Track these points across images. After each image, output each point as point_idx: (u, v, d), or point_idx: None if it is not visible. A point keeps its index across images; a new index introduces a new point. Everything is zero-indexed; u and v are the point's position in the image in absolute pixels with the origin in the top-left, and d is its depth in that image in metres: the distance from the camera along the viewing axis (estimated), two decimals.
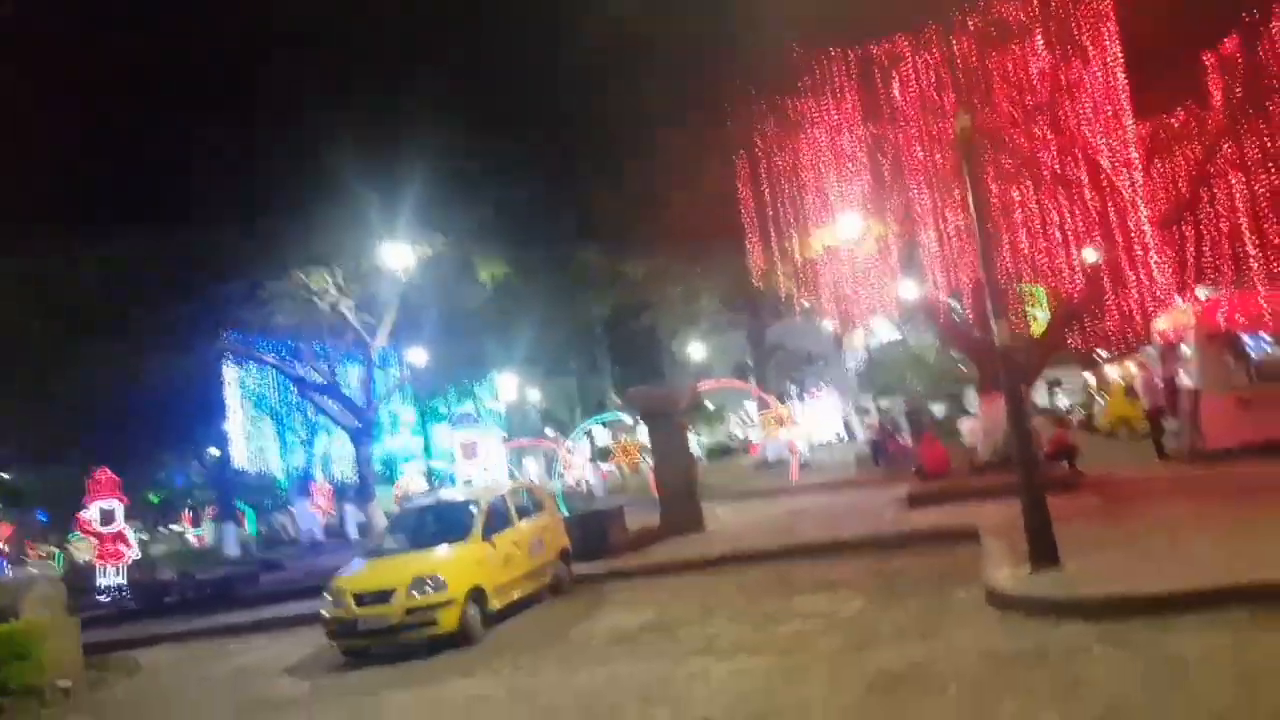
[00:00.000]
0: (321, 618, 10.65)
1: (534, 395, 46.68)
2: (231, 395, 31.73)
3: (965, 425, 18.50)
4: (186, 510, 55.11)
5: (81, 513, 25.94)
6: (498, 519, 11.77)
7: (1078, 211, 14.51)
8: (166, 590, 20.11)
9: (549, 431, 43.41)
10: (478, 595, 10.68)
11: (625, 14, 15.16)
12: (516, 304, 20.99)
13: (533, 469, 41.15)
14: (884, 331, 45.92)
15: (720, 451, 47.19)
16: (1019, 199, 14.58)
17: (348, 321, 19.28)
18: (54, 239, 16.24)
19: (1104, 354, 29.95)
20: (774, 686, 7.04)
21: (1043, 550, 8.65)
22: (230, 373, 31.01)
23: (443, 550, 10.96)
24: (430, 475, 40.35)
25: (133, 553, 25.72)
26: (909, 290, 17.17)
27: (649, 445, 20.65)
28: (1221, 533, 9.35)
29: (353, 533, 35.33)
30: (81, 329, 17.57)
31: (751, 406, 50.30)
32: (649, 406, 17.81)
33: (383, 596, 10.24)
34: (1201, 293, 15.91)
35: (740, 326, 46.38)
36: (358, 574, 11.02)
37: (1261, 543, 8.52)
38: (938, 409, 24.88)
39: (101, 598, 22.33)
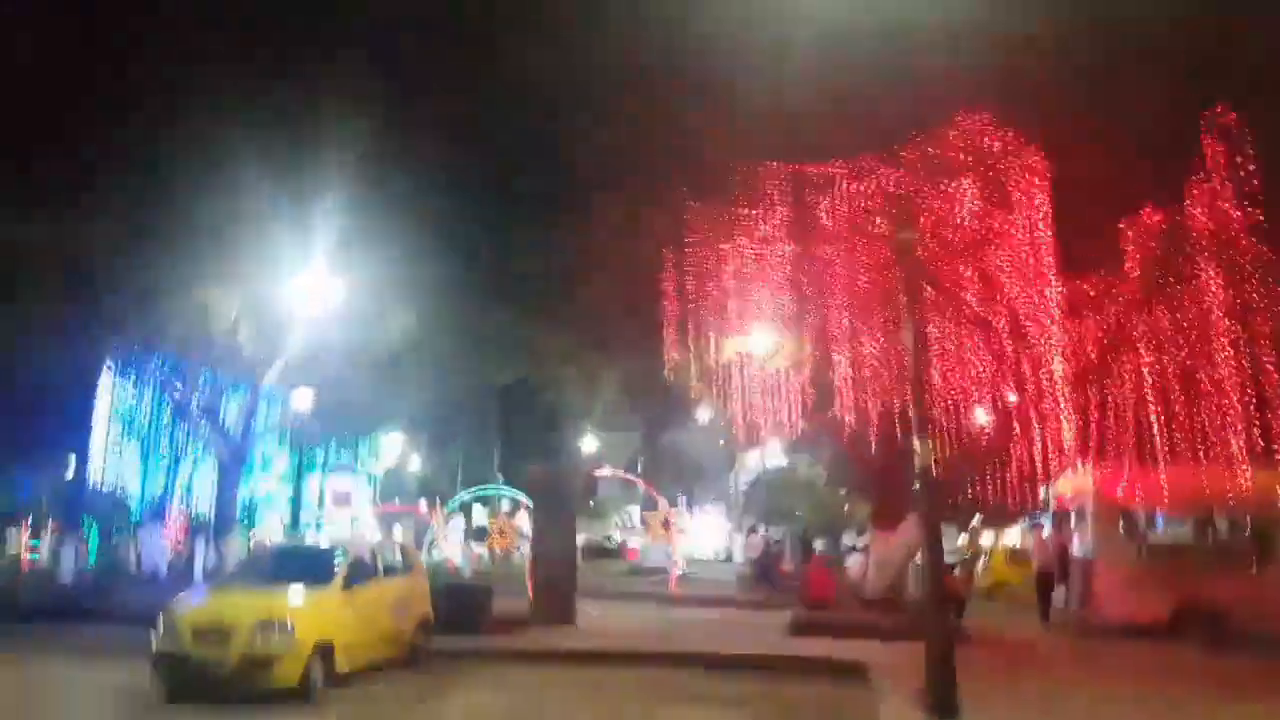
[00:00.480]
0: (150, 647, 9.49)
1: (415, 463, 45.08)
2: (100, 406, 29.74)
3: (851, 559, 18.32)
4: (24, 523, 50.80)
5: None
6: (361, 571, 10.89)
7: (992, 358, 14.79)
8: None
9: (423, 502, 41.81)
10: (326, 650, 9.71)
11: (564, 77, 15.08)
12: (419, 359, 20.00)
13: (402, 538, 39.26)
14: (775, 457, 46.34)
15: (595, 552, 46.03)
16: (936, 334, 14.79)
17: (239, 350, 18.17)
18: None
19: (980, 517, 30.27)
20: None
21: (943, 697, 8.28)
22: (105, 381, 29.10)
23: (296, 593, 9.99)
24: (293, 527, 38.20)
25: None
26: (815, 410, 17.17)
27: (530, 528, 19.94)
28: (1117, 708, 9.24)
29: (198, 573, 32.93)
30: None
31: (635, 510, 49.81)
32: (542, 484, 17.19)
33: (222, 635, 9.20)
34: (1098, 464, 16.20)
35: (636, 427, 46.12)
36: (198, 605, 9.95)
37: None
38: (819, 543, 24.71)
39: None
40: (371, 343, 18.56)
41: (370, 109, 16.37)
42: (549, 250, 17.78)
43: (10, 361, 23.97)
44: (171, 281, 16.54)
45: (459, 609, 13.94)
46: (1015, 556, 25.23)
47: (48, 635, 15.01)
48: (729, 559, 36.46)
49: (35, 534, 49.62)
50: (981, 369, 14.88)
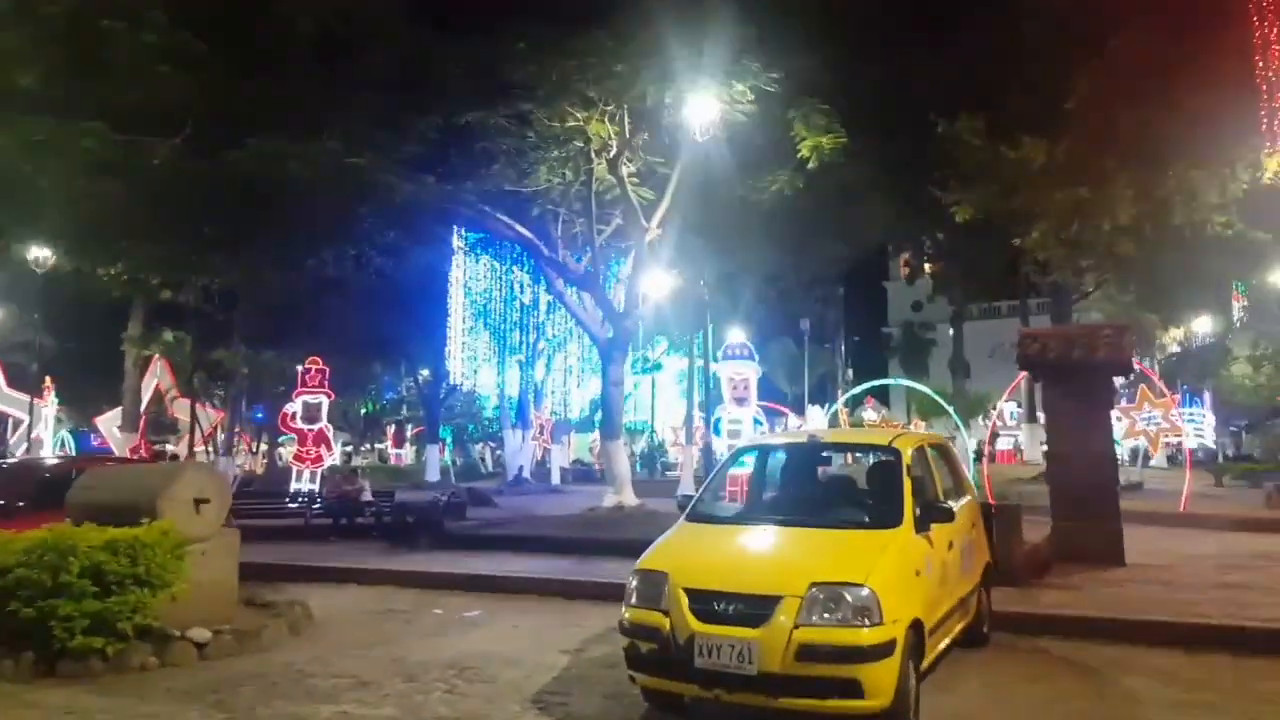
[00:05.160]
0: (621, 624, 5.67)
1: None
2: (454, 300, 28.54)
3: None
4: (391, 427, 53.96)
5: (286, 406, 23.39)
6: (930, 495, 6.42)
7: None
8: (361, 509, 16.46)
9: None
10: (918, 637, 5.43)
11: None
12: (836, 195, 15.03)
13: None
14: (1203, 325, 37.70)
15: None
16: None
17: (622, 194, 14.29)
18: None
19: None
20: None
21: None
22: (455, 271, 27.73)
23: (861, 538, 5.72)
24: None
25: (332, 457, 22.82)
26: None
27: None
28: None
29: (555, 477, 31.66)
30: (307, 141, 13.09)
31: (1007, 406, 42.73)
32: (1050, 354, 11.76)
33: (752, 609, 5.12)
34: None
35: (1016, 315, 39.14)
36: (696, 555, 5.82)
37: None
38: None
39: (291, 504, 19.20)
40: (778, 173, 14.04)
41: None
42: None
43: (370, 231, 22.41)
44: (539, 99, 12.80)
45: None
46: None
47: (431, 559, 12.62)
48: (1174, 459, 29.30)
49: (399, 440, 52.67)
50: None
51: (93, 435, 38.95)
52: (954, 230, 17.36)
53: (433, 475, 32.74)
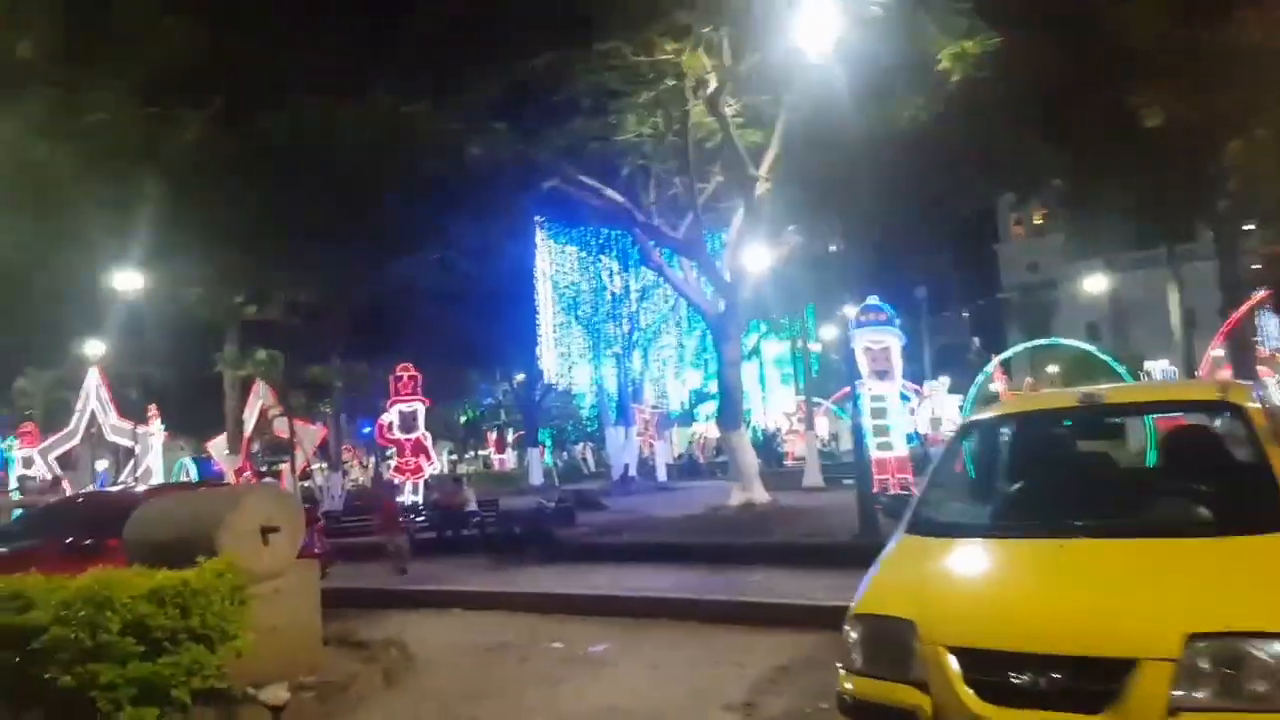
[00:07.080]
0: (841, 700, 3.70)
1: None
2: (542, 296, 27.10)
3: None
4: (492, 432, 53.16)
5: (381, 417, 22.32)
6: None
7: None
8: (466, 520, 14.98)
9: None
10: None
11: None
12: (981, 120, 12.42)
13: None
14: None
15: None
16: None
17: (725, 138, 12.09)
18: None
19: None
20: None
21: None
22: (541, 265, 26.31)
23: (1233, 550, 3.53)
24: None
25: (432, 466, 21.59)
26: None
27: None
28: None
29: (661, 473, 29.85)
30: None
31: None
32: None
33: (1083, 681, 3.12)
34: None
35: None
36: (954, 591, 3.83)
37: None
38: None
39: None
40: (903, 100, 11.67)
41: None
42: None
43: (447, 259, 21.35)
44: (619, 33, 10.70)
45: None
46: None
47: (544, 574, 10.98)
48: None
49: (500, 445, 51.90)
50: None
51: (213, 461, 38.94)
52: (1118, 154, 14.51)
53: (536, 479, 31.54)
